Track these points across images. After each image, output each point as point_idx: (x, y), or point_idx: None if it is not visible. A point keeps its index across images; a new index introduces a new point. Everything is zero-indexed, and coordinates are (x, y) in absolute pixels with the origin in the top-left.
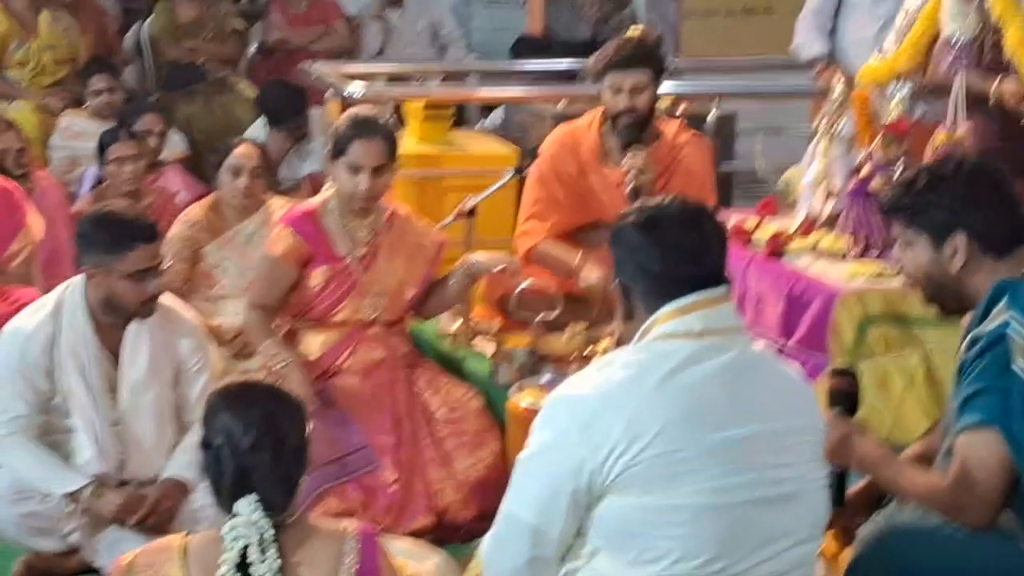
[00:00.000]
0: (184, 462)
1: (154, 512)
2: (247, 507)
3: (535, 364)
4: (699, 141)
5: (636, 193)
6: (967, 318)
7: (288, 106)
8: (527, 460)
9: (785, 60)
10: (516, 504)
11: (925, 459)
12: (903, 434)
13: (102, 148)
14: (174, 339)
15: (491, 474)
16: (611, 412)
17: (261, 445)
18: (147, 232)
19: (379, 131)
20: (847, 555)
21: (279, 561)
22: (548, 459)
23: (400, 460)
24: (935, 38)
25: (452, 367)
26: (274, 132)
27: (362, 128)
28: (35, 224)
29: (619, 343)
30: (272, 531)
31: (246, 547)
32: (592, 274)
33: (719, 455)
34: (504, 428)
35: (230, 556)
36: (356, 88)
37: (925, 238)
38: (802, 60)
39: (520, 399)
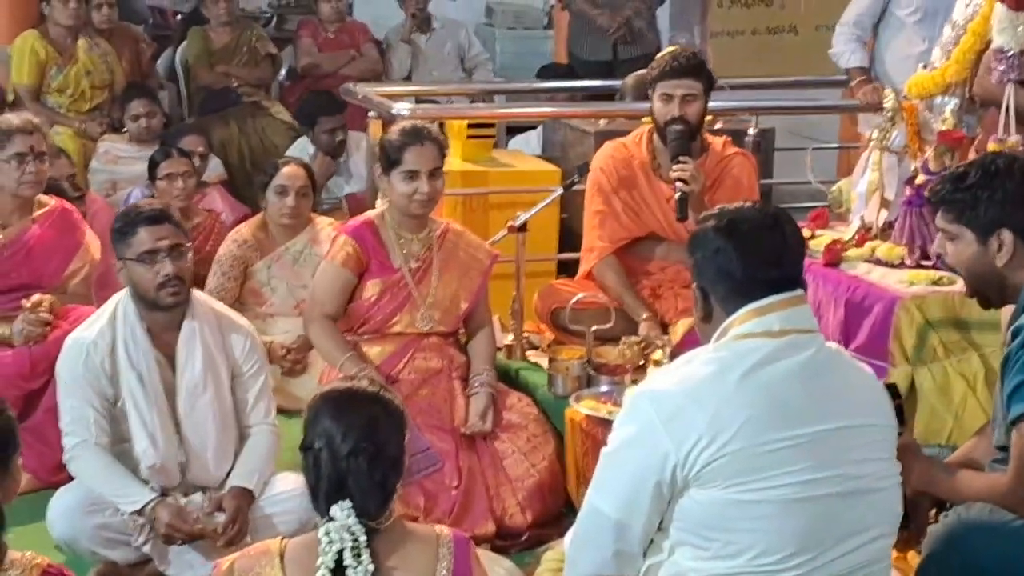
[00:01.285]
0: (245, 470)
1: (229, 530)
2: (342, 512)
3: (590, 375)
4: (746, 157)
5: (683, 203)
6: (1008, 312)
7: (322, 104)
8: (611, 454)
9: (811, 77)
10: (599, 498)
11: (968, 464)
12: (963, 437)
13: (153, 166)
14: (228, 341)
15: (547, 479)
16: (695, 407)
17: (359, 452)
18: (151, 215)
19: (430, 136)
20: (912, 555)
21: (373, 566)
22: (632, 453)
23: (459, 467)
24: (983, 51)
25: (506, 378)
26: (318, 156)
27: (414, 135)
28: (92, 244)
29: (673, 354)
30: (366, 536)
31: (341, 551)
32: (652, 332)
33: (800, 450)
34: (558, 437)
35: (326, 560)
36: (403, 107)
37: (971, 233)
38: (841, 68)
39: (580, 408)
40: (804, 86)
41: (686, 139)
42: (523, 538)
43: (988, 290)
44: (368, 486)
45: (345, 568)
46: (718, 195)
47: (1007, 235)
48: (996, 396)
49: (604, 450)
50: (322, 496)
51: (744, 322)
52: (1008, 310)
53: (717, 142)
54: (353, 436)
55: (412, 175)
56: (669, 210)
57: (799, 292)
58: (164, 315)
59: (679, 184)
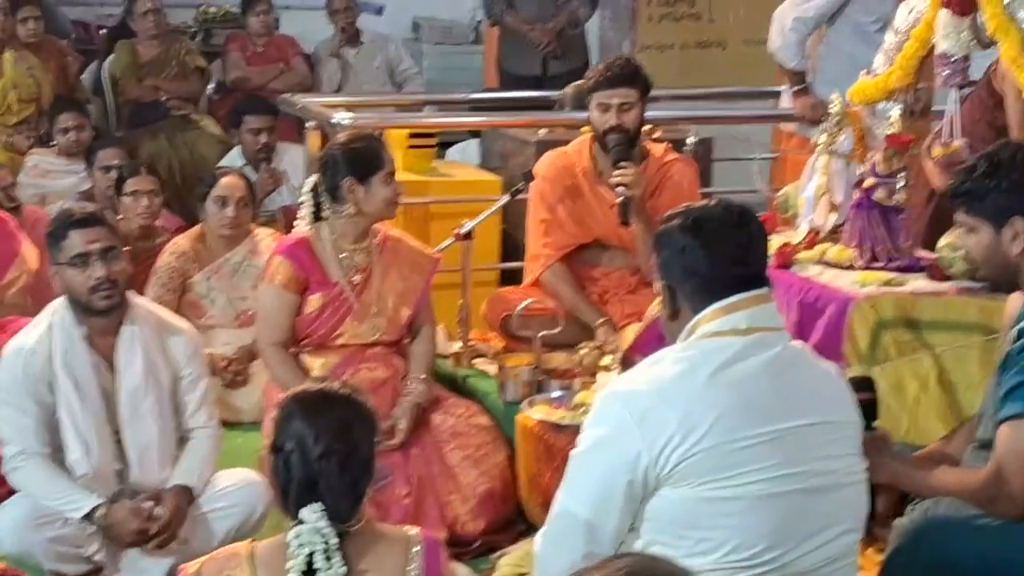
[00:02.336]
0: (186, 469)
1: (166, 529)
2: (312, 515)
3: (540, 381)
4: (686, 162)
5: (625, 207)
6: (1014, 307)
7: (248, 105)
8: (581, 455)
9: (739, 89)
10: (570, 499)
11: (937, 460)
12: (918, 436)
13: (119, 182)
14: (169, 344)
15: (498, 487)
16: (666, 406)
17: (331, 454)
18: (82, 218)
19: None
20: (871, 552)
21: (344, 568)
22: (604, 454)
23: (409, 476)
24: (925, 57)
25: (454, 386)
26: (260, 169)
27: (380, 138)
28: (29, 254)
29: (623, 359)
30: (337, 539)
31: (312, 554)
32: (610, 337)
33: (769, 447)
34: (508, 444)
35: (296, 563)
36: (344, 117)
37: (986, 223)
38: (783, 66)
39: (532, 413)
40: (737, 97)
41: (626, 146)
42: (474, 545)
43: (1005, 280)
44: (339, 489)
45: (316, 571)
46: (660, 200)
47: (1019, 223)
48: (988, 391)
49: (574, 451)
50: (292, 498)
51: (711, 320)
52: (1014, 306)
53: (657, 148)
54: (325, 438)
55: (392, 176)
56: (613, 216)
57: (765, 290)
58: (101, 320)
59: (620, 189)
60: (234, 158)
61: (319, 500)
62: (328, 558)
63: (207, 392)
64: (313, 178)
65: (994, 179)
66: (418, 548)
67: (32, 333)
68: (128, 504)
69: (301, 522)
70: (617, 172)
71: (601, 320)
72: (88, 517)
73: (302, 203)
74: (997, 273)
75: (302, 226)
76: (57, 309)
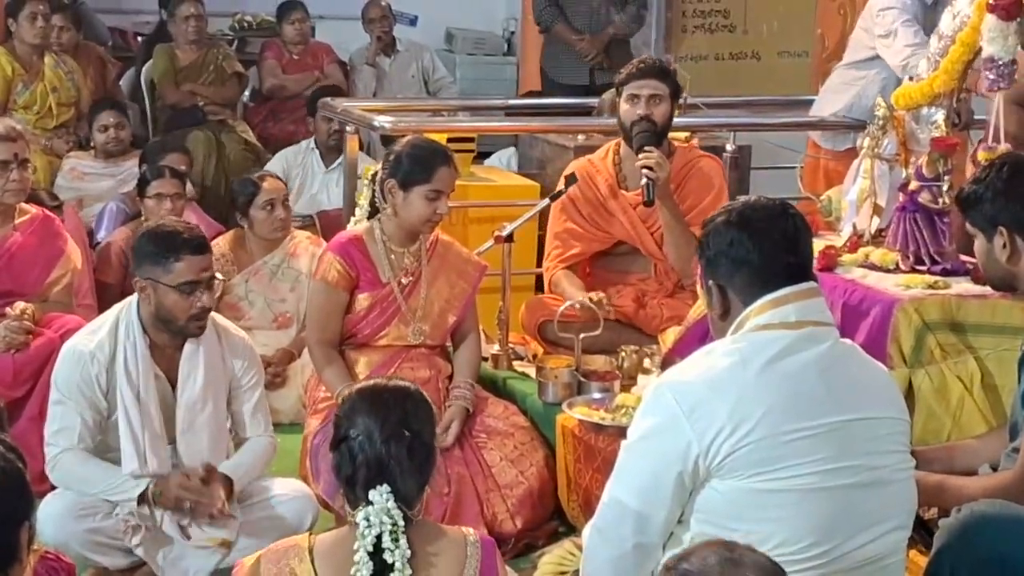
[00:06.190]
0: (233, 463)
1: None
2: (380, 497)
3: (580, 382)
4: (713, 159)
5: (650, 188)
6: None
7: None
8: (632, 446)
9: (772, 98)
10: (620, 490)
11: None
12: (961, 438)
13: (143, 183)
14: (228, 356)
15: (536, 486)
16: (716, 397)
17: (398, 437)
18: (195, 244)
19: (452, 157)
20: (913, 554)
21: (410, 552)
22: (654, 444)
23: (449, 474)
24: (971, 62)
25: (493, 388)
26: None
27: (443, 154)
28: (74, 252)
29: (663, 362)
30: (403, 522)
31: (379, 536)
32: (594, 297)
33: (819, 440)
34: (547, 445)
35: (364, 543)
36: (385, 121)
37: (979, 231)
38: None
39: (573, 412)
40: (776, 106)
41: (651, 134)
42: (512, 544)
43: (1004, 286)
44: (407, 469)
45: (383, 551)
46: (687, 190)
47: (1005, 233)
48: (1014, 404)
49: (625, 442)
50: (360, 483)
51: (761, 313)
52: None
53: (684, 145)
54: (391, 422)
55: (437, 194)
56: (636, 217)
57: (814, 284)
58: (173, 336)
59: (645, 172)
60: (275, 165)
61: (387, 482)
62: (395, 539)
63: (260, 401)
64: (377, 167)
65: (982, 186)
66: (475, 547)
67: (92, 336)
68: (173, 475)
69: (370, 503)
70: (642, 155)
71: (580, 296)
72: (140, 497)
73: (363, 190)
74: (993, 279)
75: (358, 215)
76: (122, 315)
